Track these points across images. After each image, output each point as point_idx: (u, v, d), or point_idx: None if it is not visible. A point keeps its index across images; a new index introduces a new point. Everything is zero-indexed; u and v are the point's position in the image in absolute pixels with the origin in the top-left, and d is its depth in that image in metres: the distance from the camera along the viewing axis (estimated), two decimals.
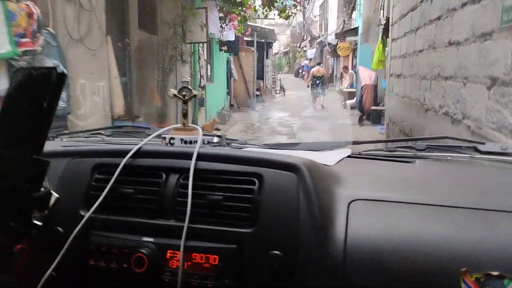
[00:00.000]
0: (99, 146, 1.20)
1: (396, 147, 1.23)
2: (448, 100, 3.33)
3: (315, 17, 29.88)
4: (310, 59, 29.33)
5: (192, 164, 0.89)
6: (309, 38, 30.59)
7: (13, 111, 0.71)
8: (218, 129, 8.37)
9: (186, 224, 0.84)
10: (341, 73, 17.07)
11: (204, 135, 1.05)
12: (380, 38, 9.17)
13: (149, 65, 5.92)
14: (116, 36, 4.87)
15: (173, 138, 1.07)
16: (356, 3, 15.35)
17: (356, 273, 0.74)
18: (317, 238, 0.79)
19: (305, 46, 33.29)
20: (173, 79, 6.50)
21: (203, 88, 9.06)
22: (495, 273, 0.66)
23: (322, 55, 26.24)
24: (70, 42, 3.13)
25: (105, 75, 3.67)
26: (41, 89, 0.69)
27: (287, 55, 42.72)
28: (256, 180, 0.87)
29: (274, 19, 12.78)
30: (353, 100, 11.68)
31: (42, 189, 0.81)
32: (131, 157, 0.94)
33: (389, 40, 6.89)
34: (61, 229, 0.91)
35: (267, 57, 17.60)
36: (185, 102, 1.10)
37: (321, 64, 17.10)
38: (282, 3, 8.55)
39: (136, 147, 0.96)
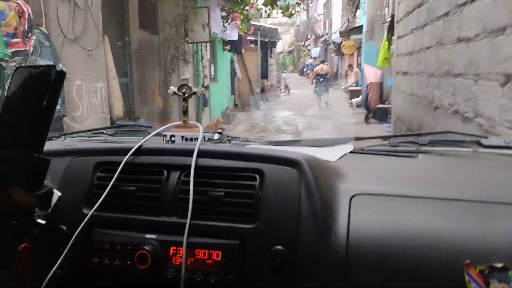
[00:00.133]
0: (101, 144, 1.19)
1: (398, 142, 1.21)
2: (459, 97, 3.21)
3: (319, 15, 29.71)
4: (315, 58, 29.20)
5: (193, 161, 0.89)
6: (314, 37, 30.42)
7: (13, 109, 0.71)
8: (222, 129, 8.26)
9: (188, 221, 0.84)
10: (346, 71, 16.92)
11: (204, 132, 1.05)
12: (385, 36, 9.04)
13: (150, 65, 5.84)
14: (115, 36, 4.79)
15: (173, 136, 1.07)
16: (360, 1, 15.21)
17: (359, 267, 0.74)
18: (319, 233, 0.79)
19: (310, 45, 33.13)
20: (175, 79, 6.41)
21: (207, 88, 8.98)
22: (499, 265, 0.66)
23: (326, 53, 26.07)
24: (64, 42, 3.04)
25: (103, 75, 3.58)
26: (40, 87, 0.69)
27: (292, 54, 42.58)
28: (257, 176, 0.87)
29: (277, 17, 12.70)
30: (359, 99, 11.56)
31: (44, 187, 0.81)
32: (132, 155, 0.95)
33: (394, 37, 6.76)
34: (64, 228, 0.91)
35: (271, 56, 17.49)
36: (185, 100, 1.10)
37: (325, 62, 16.94)
38: (285, 1, 8.43)
39: (137, 145, 0.96)
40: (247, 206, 0.85)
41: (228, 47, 10.51)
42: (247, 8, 8.12)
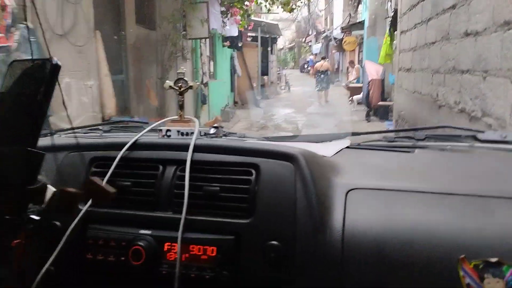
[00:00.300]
0: (96, 139, 1.17)
1: (395, 138, 1.22)
2: (465, 95, 3.07)
3: (320, 11, 29.50)
4: (316, 54, 29.00)
5: (188, 155, 0.89)
6: (315, 33, 30.21)
7: (7, 103, 0.71)
8: (221, 127, 8.13)
9: (183, 216, 0.83)
10: (347, 68, 16.78)
11: (200, 127, 1.04)
12: (387, 31, 8.92)
13: (147, 62, 5.70)
14: (110, 31, 4.65)
15: (169, 130, 1.05)
16: None
17: (354, 261, 0.73)
18: (314, 227, 0.78)
19: (311, 41, 32.92)
20: (173, 76, 6.27)
21: (206, 85, 8.84)
22: (494, 260, 0.66)
23: (327, 49, 25.88)
24: (52, 38, 2.90)
25: (94, 73, 3.44)
26: (35, 81, 0.68)
27: (293, 50, 42.37)
28: (253, 170, 0.87)
29: (278, 13, 12.52)
30: (360, 96, 11.42)
31: (38, 182, 0.80)
32: (127, 149, 0.94)
33: (397, 32, 6.61)
34: (58, 223, 0.90)
35: (271, 53, 17.32)
36: (181, 94, 1.09)
37: (326, 59, 16.78)
38: None
39: (133, 140, 0.95)
40: (243, 201, 0.84)
41: (228, 43, 10.36)
42: (246, 3, 7.96)
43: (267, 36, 15.94)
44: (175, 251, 0.83)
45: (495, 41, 2.51)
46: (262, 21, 14.28)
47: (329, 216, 0.78)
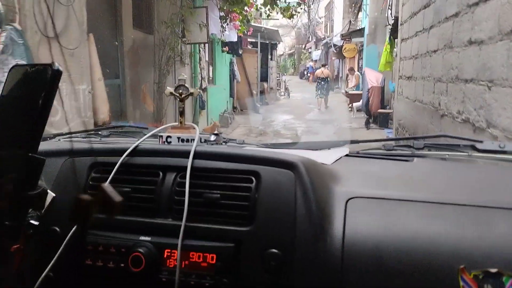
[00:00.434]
0: (96, 145, 1.17)
1: (394, 146, 1.22)
2: (469, 105, 2.98)
3: (320, 18, 29.54)
4: (316, 61, 29.01)
5: (189, 162, 0.89)
6: (314, 40, 30.23)
7: (8, 108, 0.71)
8: (220, 133, 8.05)
9: (183, 223, 0.83)
10: (347, 75, 16.76)
11: (201, 133, 1.04)
12: (387, 39, 8.89)
13: (145, 67, 5.61)
14: (106, 35, 4.57)
15: (170, 137, 1.05)
16: (363, 4, 15.04)
17: (354, 270, 0.73)
18: (314, 235, 0.78)
19: (310, 48, 32.95)
20: (171, 81, 6.19)
21: (205, 90, 8.75)
22: (494, 270, 0.65)
23: (327, 56, 25.88)
24: (42, 40, 2.80)
25: (87, 77, 3.33)
26: (36, 86, 0.68)
27: (292, 57, 42.41)
28: (253, 178, 0.87)
29: (278, 19, 12.46)
30: (359, 103, 11.36)
31: (38, 188, 0.79)
32: (128, 155, 0.94)
33: (398, 40, 6.55)
34: (57, 229, 0.90)
35: (271, 59, 17.26)
36: (182, 100, 1.09)
37: (326, 66, 16.77)
38: (285, 1, 8.21)
39: (133, 146, 0.95)
40: (243, 209, 0.84)
41: (227, 48, 10.30)
42: (246, 8, 7.89)
43: (267, 42, 15.90)
44: (175, 258, 0.83)
45: (501, 50, 2.43)
46: (262, 27, 14.25)
47: (329, 224, 0.79)
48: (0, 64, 2.32)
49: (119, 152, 0.95)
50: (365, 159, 1.15)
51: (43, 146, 0.75)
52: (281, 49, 34.72)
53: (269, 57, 16.84)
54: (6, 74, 0.73)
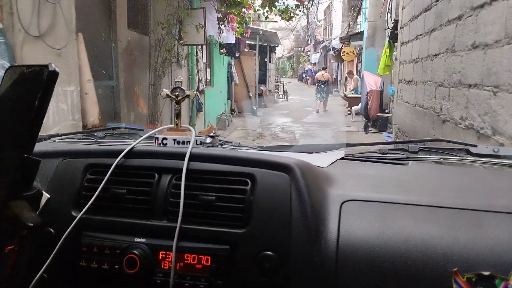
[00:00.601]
0: (92, 146, 1.15)
1: (389, 150, 1.22)
2: (473, 111, 2.88)
3: (319, 21, 29.51)
4: (314, 64, 29.01)
5: (184, 164, 0.89)
6: (313, 43, 30.20)
7: (3, 109, 0.70)
8: (217, 135, 7.96)
9: (178, 225, 0.84)
10: (346, 78, 16.69)
11: (197, 135, 1.05)
12: (386, 43, 8.81)
13: (140, 68, 5.49)
14: (99, 35, 4.46)
15: (165, 139, 1.06)
16: (362, 7, 14.99)
17: (348, 273, 0.74)
18: (309, 238, 0.79)
19: (309, 51, 32.93)
20: (166, 83, 6.07)
21: (202, 92, 8.64)
22: (486, 273, 0.66)
23: (326, 59, 25.83)
24: (26, 39, 2.69)
25: (75, 78, 3.20)
26: (32, 87, 0.68)
27: (291, 60, 42.39)
28: (248, 180, 0.87)
29: (276, 21, 12.40)
30: (358, 106, 11.28)
31: (33, 188, 0.79)
32: (123, 157, 0.94)
33: (397, 44, 6.46)
34: (52, 230, 0.90)
35: (270, 61, 17.17)
36: (178, 102, 1.10)
37: (326, 69, 16.72)
38: (284, 3, 8.10)
39: (129, 147, 0.95)
40: (238, 211, 0.84)
41: (224, 50, 10.19)
42: (244, 10, 7.79)
43: (266, 44, 15.81)
44: (169, 259, 0.83)
45: (508, 54, 2.33)
46: (260, 29, 14.16)
47: (324, 227, 0.79)
48: None
49: (115, 153, 0.94)
50: (360, 162, 1.16)
51: (39, 147, 0.75)
52: (280, 51, 34.70)
53: (268, 59, 16.75)
54: None
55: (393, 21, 7.58)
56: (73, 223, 0.88)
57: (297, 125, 10.95)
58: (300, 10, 8.66)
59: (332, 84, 17.64)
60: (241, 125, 10.87)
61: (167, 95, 1.11)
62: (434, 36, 4.00)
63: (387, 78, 9.71)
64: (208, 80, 9.73)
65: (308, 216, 0.80)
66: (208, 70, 9.80)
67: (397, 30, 6.33)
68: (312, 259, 0.77)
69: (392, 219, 0.78)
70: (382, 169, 1.11)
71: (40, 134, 0.72)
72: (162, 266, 0.84)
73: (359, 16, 16.60)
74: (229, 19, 7.82)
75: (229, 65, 12.05)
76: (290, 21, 8.37)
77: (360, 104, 11.06)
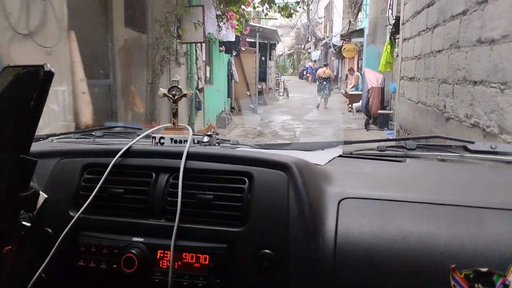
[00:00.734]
0: (89, 146, 1.16)
1: (387, 147, 1.22)
2: (478, 109, 2.79)
3: (319, 18, 29.36)
4: (315, 61, 28.87)
5: (182, 163, 0.89)
6: (314, 40, 30.05)
7: (0, 110, 0.70)
8: (217, 134, 7.90)
9: (176, 224, 0.83)
10: (346, 75, 16.58)
11: (194, 134, 1.05)
12: (388, 39, 8.71)
13: (138, 67, 5.41)
14: (94, 33, 4.37)
15: (163, 138, 1.06)
16: (362, 4, 14.87)
17: (346, 271, 0.74)
18: (307, 236, 0.79)
19: (310, 48, 32.78)
20: (165, 81, 5.98)
21: (201, 90, 8.55)
22: (484, 270, 0.66)
23: (327, 56, 25.71)
24: (14, 38, 2.59)
25: (67, 77, 3.10)
26: (28, 87, 0.68)
27: (292, 57, 42.24)
28: (246, 179, 0.87)
29: (276, 19, 12.28)
30: (359, 103, 11.19)
31: (30, 189, 0.79)
32: (120, 156, 0.94)
33: (399, 40, 6.36)
34: (50, 230, 0.90)
35: (270, 59, 17.06)
36: (175, 102, 1.10)
37: (328, 66, 16.63)
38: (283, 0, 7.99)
39: (126, 147, 0.95)
40: (236, 209, 0.84)
41: (223, 48, 10.09)
42: (243, 7, 7.68)
43: (266, 42, 15.70)
44: (167, 259, 0.83)
45: None
46: (260, 27, 14.04)
47: (322, 225, 0.79)
48: None
49: (112, 153, 0.94)
50: (358, 160, 1.16)
51: (35, 147, 0.75)
52: (280, 49, 34.58)
53: (268, 57, 16.65)
54: None
55: (394, 17, 7.48)
56: (71, 223, 0.88)
57: (297, 122, 10.87)
58: (300, 7, 8.54)
59: (333, 81, 17.54)
60: (241, 123, 10.79)
61: (164, 94, 1.11)
62: (437, 32, 3.91)
63: (388, 75, 9.61)
64: (207, 78, 9.63)
65: (306, 214, 0.80)
66: (208, 68, 9.71)
67: (399, 26, 6.24)
68: (311, 257, 0.77)
69: (390, 216, 0.78)
70: (380, 166, 1.11)
71: (36, 134, 0.72)
72: (160, 265, 0.84)
73: (359, 13, 16.48)
74: (228, 16, 7.71)
75: (229, 63, 11.95)
76: (290, 18, 8.25)
77: (361, 101, 10.98)
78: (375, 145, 1.24)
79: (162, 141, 1.06)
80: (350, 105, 12.58)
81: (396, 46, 7.88)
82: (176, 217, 0.84)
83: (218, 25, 7.54)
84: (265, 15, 8.81)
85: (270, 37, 15.60)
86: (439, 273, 0.69)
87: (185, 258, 0.83)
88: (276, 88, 18.70)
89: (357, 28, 15.92)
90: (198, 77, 8.14)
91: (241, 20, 8.38)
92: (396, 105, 6.67)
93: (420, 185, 0.94)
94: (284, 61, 42.59)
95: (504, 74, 2.38)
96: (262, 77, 15.50)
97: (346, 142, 1.29)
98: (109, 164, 0.92)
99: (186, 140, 1.00)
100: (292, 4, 8.00)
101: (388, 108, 9.94)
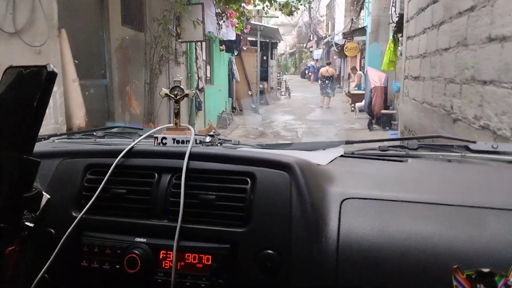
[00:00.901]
0: (91, 146, 1.16)
1: (388, 147, 1.22)
2: (489, 110, 2.65)
3: (321, 16, 29.20)
4: (317, 60, 28.75)
5: (184, 163, 0.89)
6: (316, 39, 29.90)
7: (3, 110, 0.71)
8: (218, 134, 7.76)
9: (179, 224, 0.84)
10: (349, 74, 16.44)
11: (196, 134, 1.05)
12: (391, 37, 8.58)
13: (135, 66, 5.29)
14: (90, 31, 4.26)
15: (165, 138, 1.06)
16: (365, 1, 14.72)
17: (349, 270, 0.74)
18: (309, 236, 0.79)
19: (312, 47, 32.64)
20: (162, 81, 5.87)
21: (202, 90, 8.43)
22: (486, 270, 0.66)
23: (329, 55, 25.56)
24: (0, 36, 2.48)
25: (58, 78, 2.98)
26: (31, 88, 0.69)
27: (293, 56, 42.09)
28: (248, 179, 0.87)
29: (278, 17, 12.16)
30: (362, 103, 11.05)
31: (33, 189, 0.79)
32: (123, 157, 0.95)
33: (403, 38, 6.23)
34: (52, 231, 0.90)
35: (271, 58, 16.92)
36: (177, 102, 1.10)
37: (330, 64, 16.50)
38: None
39: (128, 147, 0.96)
40: (238, 210, 0.85)
41: (223, 47, 9.96)
42: (243, 4, 7.55)
43: (267, 40, 15.56)
44: (170, 259, 0.83)
45: None
46: (262, 25, 13.90)
47: (324, 225, 0.79)
48: None
49: (114, 153, 0.95)
50: (360, 160, 1.17)
51: (38, 147, 0.74)
52: (282, 48, 34.47)
53: (270, 56, 16.51)
54: None
55: (397, 15, 7.35)
56: (74, 223, 0.88)
57: (299, 122, 10.75)
58: (301, 4, 8.41)
59: (336, 80, 17.42)
60: (242, 123, 10.69)
61: (166, 95, 1.11)
62: (443, 29, 3.77)
63: (392, 74, 9.48)
64: (208, 78, 9.52)
65: (308, 214, 0.80)
66: (208, 68, 9.59)
67: (402, 24, 6.10)
68: (313, 257, 0.77)
69: (392, 216, 0.78)
70: (382, 166, 1.11)
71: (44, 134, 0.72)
72: (163, 266, 0.84)
73: (362, 11, 16.33)
74: (228, 14, 7.58)
75: (230, 62, 11.83)
76: (291, 16, 8.12)
77: (363, 100, 10.84)
78: (377, 145, 1.23)
79: (164, 141, 1.06)
80: (352, 105, 12.44)
81: (400, 44, 7.74)
82: (178, 217, 0.84)
83: (218, 24, 7.41)
84: (265, 13, 8.67)
85: (272, 35, 15.46)
86: (441, 273, 0.68)
87: (188, 258, 0.83)
88: (278, 87, 18.56)
89: (360, 26, 15.77)
90: (198, 76, 8.02)
91: (242, 18, 8.25)
92: (400, 105, 6.54)
93: (422, 185, 0.94)
94: (286, 60, 42.46)
95: None
96: (264, 77, 15.37)
97: (347, 142, 1.29)
98: (112, 164, 0.92)
99: (188, 141, 1.00)
100: (293, 2, 7.87)
101: (391, 107, 9.80)
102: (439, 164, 1.17)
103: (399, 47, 7.96)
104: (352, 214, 0.80)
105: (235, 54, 11.90)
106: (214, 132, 1.27)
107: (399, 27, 7.00)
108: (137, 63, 5.35)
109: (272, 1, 7.17)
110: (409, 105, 5.40)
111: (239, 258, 0.81)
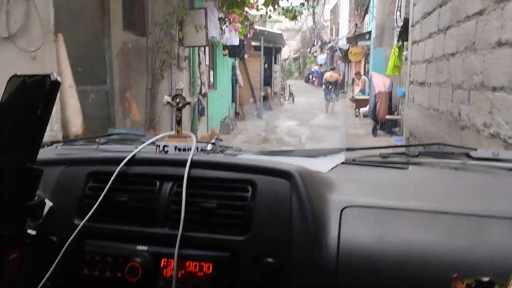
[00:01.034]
0: (93, 154, 1.17)
1: (389, 154, 1.22)
2: (499, 117, 2.55)
3: (325, 21, 29.18)
4: (321, 65, 28.69)
5: (186, 171, 0.90)
6: (320, 43, 29.85)
7: (6, 119, 0.72)
8: (220, 140, 7.67)
9: (180, 232, 0.84)
10: (353, 79, 16.37)
11: (198, 142, 1.06)
12: (395, 42, 8.49)
13: (137, 72, 5.23)
14: (90, 36, 4.20)
15: (167, 146, 1.07)
16: (369, 6, 14.66)
17: (349, 279, 0.74)
18: (310, 245, 0.79)
19: (316, 52, 32.60)
20: (164, 86, 5.81)
21: (204, 96, 8.38)
22: (486, 279, 0.66)
23: (333, 60, 25.50)
24: None
25: None
26: (34, 97, 0.69)
27: (297, 61, 42.09)
28: (249, 187, 0.88)
29: (281, 21, 12.12)
30: (366, 108, 10.96)
31: (36, 197, 0.80)
32: (125, 165, 0.95)
33: (408, 43, 6.14)
34: (54, 238, 0.91)
35: (275, 63, 16.89)
36: (179, 110, 1.11)
37: (335, 69, 16.45)
38: (288, 0, 7.80)
39: (130, 155, 0.97)
40: (239, 218, 0.85)
41: (226, 52, 9.91)
42: (246, 9, 7.50)
43: (271, 45, 15.53)
44: (171, 267, 0.83)
45: None
46: (265, 30, 13.87)
47: (325, 234, 0.79)
48: None
49: (116, 161, 0.95)
50: (360, 167, 1.17)
51: (41, 154, 0.75)
52: (286, 53, 34.47)
53: (273, 61, 16.47)
54: None
55: (402, 19, 7.26)
56: (76, 231, 0.88)
57: (303, 128, 10.67)
58: (305, 8, 8.35)
59: (340, 85, 17.35)
60: (245, 129, 10.62)
61: (168, 102, 1.12)
62: (451, 33, 3.68)
63: (396, 79, 9.38)
64: (211, 83, 9.47)
65: (308, 222, 0.80)
66: (211, 73, 9.55)
67: (407, 28, 6.02)
68: (313, 265, 0.77)
69: (392, 225, 0.78)
70: (383, 173, 1.11)
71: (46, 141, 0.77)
72: (164, 274, 0.84)
73: (366, 15, 16.26)
74: (231, 19, 7.53)
75: (233, 67, 11.79)
76: (294, 20, 8.06)
77: (368, 106, 10.74)
78: (378, 151, 1.23)
79: (166, 149, 1.07)
80: (357, 110, 12.35)
81: (405, 49, 7.65)
82: (180, 225, 0.84)
83: (221, 28, 7.36)
84: (268, 17, 8.61)
85: (275, 40, 15.42)
86: (441, 282, 0.68)
87: (189, 266, 0.83)
88: (282, 92, 18.50)
89: (364, 31, 15.70)
90: (201, 82, 7.97)
91: (245, 23, 8.20)
92: (405, 110, 6.44)
93: (423, 193, 0.94)
94: (290, 65, 42.44)
95: None
96: (267, 82, 15.32)
97: (349, 149, 1.30)
98: (114, 172, 0.93)
99: (190, 148, 1.01)
100: (296, 6, 7.80)
101: (396, 113, 9.70)
102: (440, 171, 1.16)
103: (404, 52, 7.87)
104: (352, 222, 0.80)
105: (239, 59, 11.85)
106: (216, 138, 1.28)
107: (404, 32, 6.91)
108: (139, 68, 5.29)
109: (276, 5, 7.11)
110: (415, 111, 5.30)
111: (240, 266, 0.82)
